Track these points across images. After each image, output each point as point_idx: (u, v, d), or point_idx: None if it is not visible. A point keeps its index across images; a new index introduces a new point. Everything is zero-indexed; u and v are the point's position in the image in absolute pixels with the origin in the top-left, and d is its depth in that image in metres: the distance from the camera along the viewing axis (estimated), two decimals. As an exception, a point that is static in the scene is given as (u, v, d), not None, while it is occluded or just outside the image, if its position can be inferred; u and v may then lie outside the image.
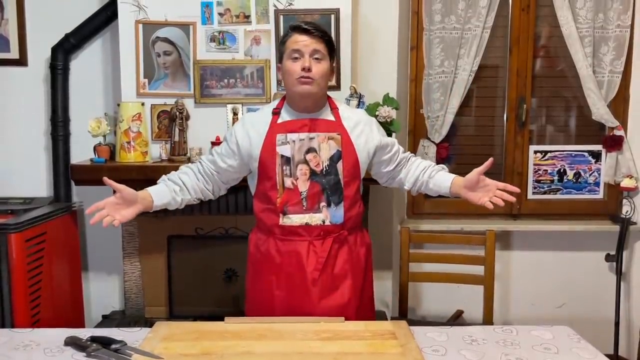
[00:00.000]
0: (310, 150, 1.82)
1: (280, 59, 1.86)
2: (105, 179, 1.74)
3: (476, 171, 1.81)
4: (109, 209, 1.70)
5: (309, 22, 1.84)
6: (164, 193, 1.83)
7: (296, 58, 1.77)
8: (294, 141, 1.81)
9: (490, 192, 1.80)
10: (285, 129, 1.82)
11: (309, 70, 1.75)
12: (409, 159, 2.00)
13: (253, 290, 1.93)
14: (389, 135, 2.50)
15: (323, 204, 1.82)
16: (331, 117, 1.86)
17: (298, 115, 1.84)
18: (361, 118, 1.91)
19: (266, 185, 1.83)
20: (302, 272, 1.81)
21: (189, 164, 1.95)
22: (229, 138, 1.89)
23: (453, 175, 1.90)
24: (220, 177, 1.90)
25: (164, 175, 1.90)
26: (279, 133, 1.81)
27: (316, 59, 1.77)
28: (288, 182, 1.81)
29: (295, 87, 1.78)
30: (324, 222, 1.81)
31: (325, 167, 1.81)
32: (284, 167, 1.81)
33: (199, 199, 1.92)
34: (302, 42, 1.76)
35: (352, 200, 1.86)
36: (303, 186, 1.81)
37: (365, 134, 1.87)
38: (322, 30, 1.81)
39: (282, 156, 1.80)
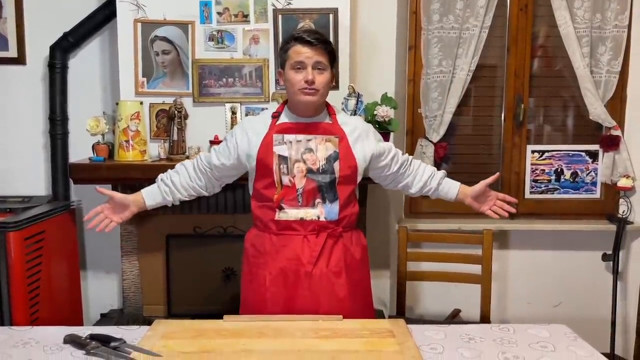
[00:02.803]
0: (307, 150, 1.86)
1: (281, 65, 1.89)
2: (97, 188, 1.91)
3: (483, 183, 1.99)
4: (106, 213, 1.90)
5: (311, 32, 1.88)
6: (155, 194, 1.96)
7: (299, 69, 1.80)
8: (291, 142, 1.85)
9: (491, 201, 2.01)
10: (283, 131, 1.86)
11: (312, 82, 1.79)
12: (410, 162, 2.05)
13: (247, 288, 1.95)
14: (387, 135, 2.51)
15: (318, 200, 1.85)
16: (329, 121, 1.91)
17: (297, 119, 1.89)
18: (358, 124, 1.96)
19: (264, 183, 1.87)
20: (296, 266, 1.84)
21: (186, 161, 2.01)
22: (228, 139, 1.94)
23: (458, 184, 2.04)
24: (212, 173, 1.97)
25: (159, 175, 2.00)
26: (276, 133, 1.86)
27: (319, 69, 1.81)
28: (285, 179, 1.85)
29: (298, 97, 1.83)
30: (318, 217, 1.85)
31: (322, 166, 1.85)
32: (282, 166, 1.84)
33: (192, 196, 1.99)
34: (305, 53, 1.79)
35: (347, 199, 1.89)
36: (299, 183, 1.84)
37: (361, 140, 1.91)
38: (325, 40, 1.84)
39: (280, 156, 1.84)
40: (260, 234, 1.91)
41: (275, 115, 1.91)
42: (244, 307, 1.96)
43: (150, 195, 1.95)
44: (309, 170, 1.84)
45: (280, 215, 1.85)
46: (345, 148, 1.87)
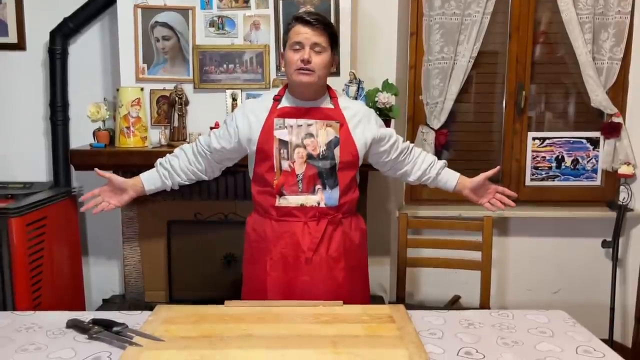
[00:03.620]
0: (308, 135, 1.85)
1: (284, 45, 1.88)
2: (97, 170, 1.88)
3: (484, 175, 1.98)
4: (103, 196, 1.89)
5: (312, 13, 1.88)
6: (154, 178, 1.95)
7: (297, 49, 1.80)
8: (291, 126, 1.85)
9: (490, 194, 2.01)
10: (284, 115, 1.86)
11: (308, 62, 1.78)
12: (411, 149, 2.03)
13: (249, 272, 1.97)
14: (388, 121, 2.51)
15: (319, 186, 1.85)
16: (330, 106, 1.90)
17: (298, 103, 1.88)
18: (360, 109, 1.95)
19: (264, 168, 1.87)
20: (297, 252, 1.85)
21: (185, 145, 2.00)
22: (229, 122, 1.93)
23: (458, 175, 2.03)
24: (213, 156, 1.96)
25: (158, 159, 1.98)
26: (277, 117, 1.85)
27: (316, 51, 1.80)
28: (285, 164, 1.84)
29: (294, 77, 1.82)
30: (318, 203, 1.85)
31: (322, 151, 1.84)
32: (282, 151, 1.84)
33: (191, 180, 1.98)
34: (304, 33, 1.79)
35: (348, 185, 1.89)
36: (300, 169, 1.84)
37: (362, 125, 1.91)
38: (325, 22, 1.83)
39: (280, 140, 1.84)
40: (261, 220, 1.91)
41: (277, 99, 1.90)
42: (245, 289, 1.98)
43: (150, 180, 1.94)
44: (309, 156, 1.84)
45: (280, 202, 1.85)
46: (346, 133, 1.86)
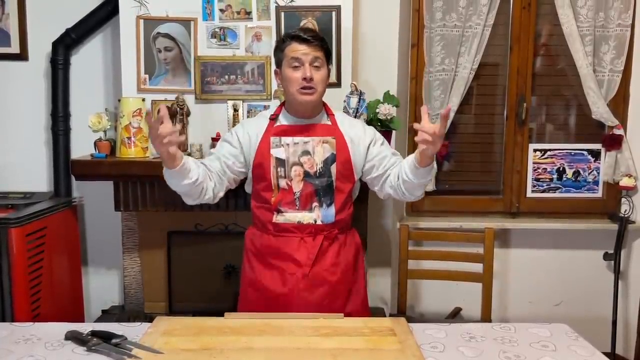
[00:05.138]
0: (304, 153, 1.86)
1: (277, 64, 1.89)
2: (163, 107, 1.63)
3: (416, 125, 1.67)
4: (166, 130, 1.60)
5: (306, 30, 1.89)
6: (189, 160, 1.76)
7: (296, 67, 1.81)
8: (288, 144, 1.86)
9: (429, 132, 1.63)
10: (280, 133, 1.87)
11: (311, 79, 1.79)
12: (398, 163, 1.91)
13: (246, 284, 1.98)
14: (390, 133, 2.51)
15: (315, 204, 1.87)
16: (327, 122, 1.92)
17: (295, 121, 1.89)
18: (356, 124, 1.96)
19: (261, 186, 1.88)
20: (293, 267, 1.86)
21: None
22: (229, 138, 1.92)
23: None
24: (225, 175, 1.88)
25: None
26: (273, 136, 1.86)
27: (315, 66, 1.81)
28: (283, 182, 1.86)
29: (296, 97, 1.83)
30: (315, 221, 1.87)
31: (319, 169, 1.86)
32: (279, 169, 1.86)
33: (202, 190, 1.81)
34: (302, 50, 1.80)
35: (344, 202, 1.91)
36: (297, 186, 1.86)
37: (358, 136, 1.91)
38: (320, 37, 1.85)
39: (277, 158, 1.85)
40: (259, 234, 1.93)
41: (273, 118, 1.91)
42: (242, 302, 1.98)
43: (186, 158, 1.74)
44: (306, 174, 1.86)
45: (278, 218, 1.87)
46: (342, 149, 1.87)
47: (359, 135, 1.91)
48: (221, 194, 1.91)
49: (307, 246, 1.86)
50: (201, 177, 1.79)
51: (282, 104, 1.94)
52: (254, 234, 1.96)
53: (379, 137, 1.98)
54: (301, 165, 1.85)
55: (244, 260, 2.01)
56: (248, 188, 1.99)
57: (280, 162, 1.85)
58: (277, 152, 1.85)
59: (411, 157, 1.78)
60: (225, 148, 1.91)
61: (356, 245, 2.00)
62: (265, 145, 1.86)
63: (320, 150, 1.86)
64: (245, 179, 1.97)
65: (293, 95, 1.84)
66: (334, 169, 1.86)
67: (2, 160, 2.91)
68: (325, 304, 1.84)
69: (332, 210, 1.88)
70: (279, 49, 1.88)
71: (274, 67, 2.55)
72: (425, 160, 1.71)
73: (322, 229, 1.88)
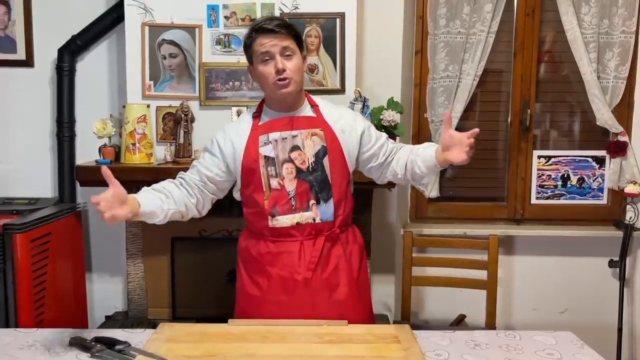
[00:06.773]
0: (294, 148, 1.78)
1: (249, 61, 1.82)
2: (105, 168, 1.56)
3: (445, 131, 1.73)
4: (103, 205, 1.51)
5: (271, 20, 1.76)
6: (150, 200, 1.68)
7: (267, 60, 1.73)
8: (276, 140, 1.78)
9: (463, 144, 1.67)
10: (266, 130, 1.79)
11: (283, 70, 1.71)
12: (400, 148, 1.91)
13: (243, 292, 1.88)
14: (393, 139, 2.50)
15: (312, 201, 1.79)
16: (312, 114, 1.84)
17: (278, 115, 1.82)
18: (343, 112, 1.88)
19: (252, 189, 1.80)
20: (294, 274, 1.78)
21: (170, 179, 1.82)
22: (210, 148, 1.84)
23: (436, 145, 1.79)
24: (206, 187, 1.81)
25: (144, 187, 1.75)
26: (260, 134, 1.79)
27: (287, 55, 1.73)
28: (274, 182, 1.78)
29: (273, 92, 1.76)
30: (314, 220, 1.79)
31: (311, 164, 1.78)
32: (269, 168, 1.77)
33: (182, 215, 1.78)
34: (269, 42, 1.72)
35: (342, 196, 1.82)
36: (290, 185, 1.78)
37: (349, 125, 1.84)
38: (286, 24, 1.76)
39: (266, 157, 1.78)
40: (255, 241, 1.84)
41: (256, 116, 1.83)
42: (238, 310, 1.90)
43: (145, 201, 1.66)
44: (299, 171, 1.77)
45: (273, 223, 1.78)
46: (332, 141, 1.80)
47: (350, 124, 1.84)
48: (208, 206, 1.86)
49: (308, 251, 1.78)
50: (173, 207, 1.73)
51: (263, 101, 1.86)
52: (249, 241, 1.87)
53: (369, 123, 1.92)
54: (292, 161, 1.77)
55: (238, 268, 1.91)
56: (236, 195, 1.89)
57: (270, 160, 1.77)
58: (265, 150, 1.77)
59: (430, 154, 1.75)
60: (206, 158, 1.83)
61: (360, 247, 1.91)
62: (253, 145, 1.77)
63: (310, 143, 1.78)
64: (233, 186, 1.89)
65: (271, 91, 1.76)
66: (326, 162, 1.78)
67: (7, 166, 2.92)
68: (329, 311, 1.78)
69: (331, 206, 1.79)
70: (247, 45, 1.79)
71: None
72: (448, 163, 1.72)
73: (322, 229, 1.79)
